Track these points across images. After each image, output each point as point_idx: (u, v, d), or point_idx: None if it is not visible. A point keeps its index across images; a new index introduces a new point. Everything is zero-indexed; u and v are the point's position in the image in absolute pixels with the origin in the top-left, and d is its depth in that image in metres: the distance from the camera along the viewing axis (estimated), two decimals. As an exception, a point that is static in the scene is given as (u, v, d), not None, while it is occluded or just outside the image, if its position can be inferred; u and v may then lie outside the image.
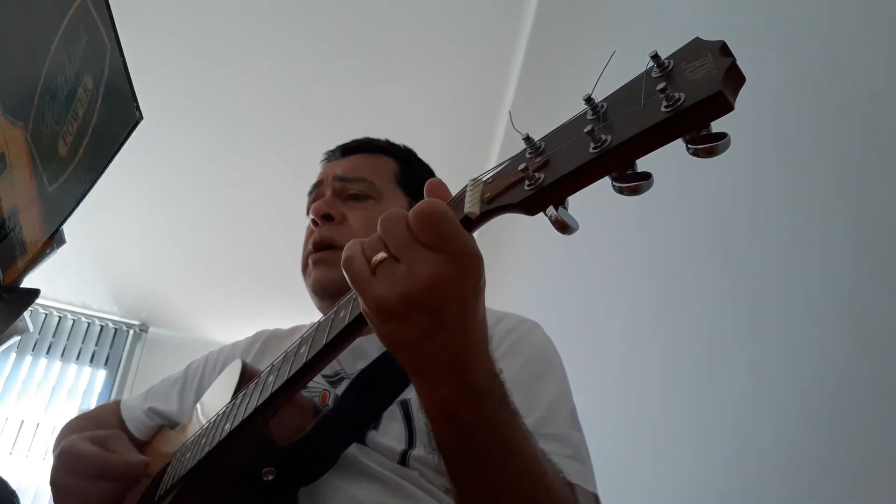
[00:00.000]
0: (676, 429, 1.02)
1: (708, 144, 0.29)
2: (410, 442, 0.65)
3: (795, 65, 0.85)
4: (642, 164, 0.33)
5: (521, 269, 2.01)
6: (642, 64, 0.32)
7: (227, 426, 0.61)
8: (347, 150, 0.88)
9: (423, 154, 0.92)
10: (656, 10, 1.32)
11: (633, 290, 1.27)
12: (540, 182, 0.35)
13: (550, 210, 0.35)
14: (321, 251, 0.79)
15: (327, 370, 0.75)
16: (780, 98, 0.86)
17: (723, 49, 0.29)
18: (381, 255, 0.39)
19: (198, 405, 0.80)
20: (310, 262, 0.80)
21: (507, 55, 2.19)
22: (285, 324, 0.96)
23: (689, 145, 0.30)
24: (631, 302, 1.27)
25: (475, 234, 0.41)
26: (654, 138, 0.31)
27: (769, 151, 0.88)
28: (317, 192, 0.85)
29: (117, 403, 0.95)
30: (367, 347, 0.74)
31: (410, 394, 0.68)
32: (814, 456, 0.71)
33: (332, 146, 0.91)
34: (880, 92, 0.69)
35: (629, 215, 1.28)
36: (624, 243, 1.33)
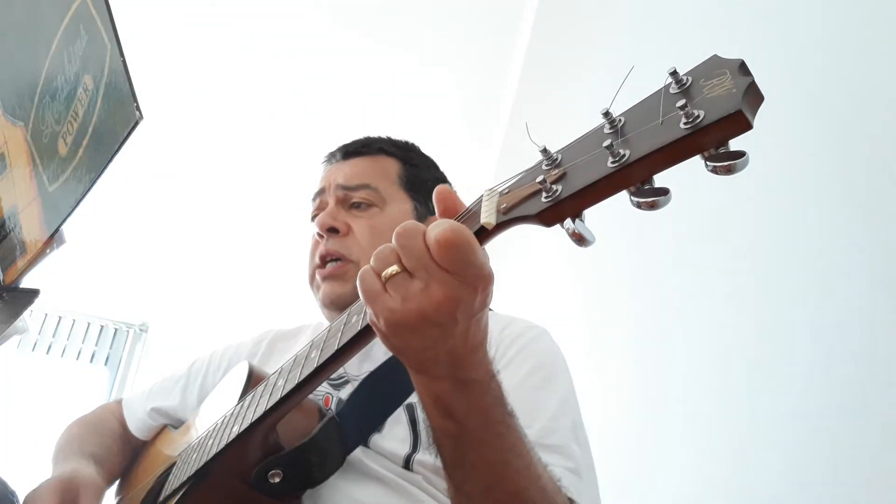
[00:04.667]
0: (676, 429, 1.03)
1: (726, 162, 0.30)
2: (415, 446, 0.65)
3: (795, 66, 0.85)
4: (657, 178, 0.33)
5: (523, 269, 2.02)
6: (645, 63, 0.32)
7: (236, 428, 0.62)
8: (349, 152, 0.86)
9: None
10: (656, 10, 1.32)
11: (633, 292, 1.27)
12: (557, 195, 0.35)
13: (567, 222, 0.36)
14: (328, 265, 0.78)
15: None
16: (781, 101, 0.86)
17: (741, 67, 0.30)
18: (394, 268, 0.40)
19: (202, 406, 0.81)
20: (317, 276, 0.79)
21: (506, 55, 2.19)
22: (286, 323, 0.96)
23: (707, 163, 0.30)
24: (631, 303, 1.27)
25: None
26: (672, 155, 0.31)
27: (769, 152, 0.88)
28: (320, 200, 0.84)
29: (119, 403, 0.95)
30: (374, 350, 0.75)
31: (416, 398, 0.68)
32: (814, 456, 0.71)
33: (331, 145, 0.89)
34: (881, 94, 0.69)
35: (630, 216, 1.28)
36: (624, 243, 1.33)
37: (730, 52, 0.31)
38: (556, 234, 0.38)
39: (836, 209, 0.74)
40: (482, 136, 2.43)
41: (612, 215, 1.40)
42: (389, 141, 0.88)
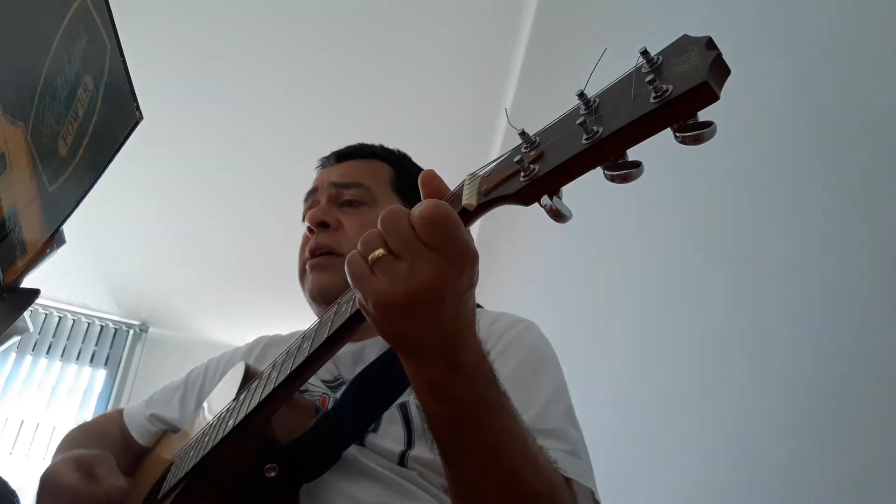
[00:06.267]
0: (676, 428, 1.03)
1: (694, 132, 0.31)
2: (409, 443, 0.65)
3: (794, 61, 0.86)
4: (645, 161, 0.33)
5: (522, 268, 2.02)
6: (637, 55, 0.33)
7: (231, 423, 0.62)
8: (342, 156, 0.88)
9: (422, 154, 0.93)
10: (656, 10, 1.33)
11: (633, 290, 1.27)
12: (534, 173, 0.36)
13: (545, 199, 0.37)
14: (318, 256, 0.79)
15: (327, 375, 0.76)
16: (780, 94, 0.87)
17: (708, 43, 0.30)
18: (380, 251, 0.40)
19: (201, 408, 0.81)
20: (307, 267, 0.80)
21: (507, 55, 2.20)
22: (285, 324, 0.97)
23: (676, 134, 0.31)
24: (631, 301, 1.27)
25: (475, 228, 0.42)
26: (643, 128, 0.32)
27: (770, 150, 0.88)
28: (312, 198, 0.85)
29: (120, 412, 0.96)
30: (368, 352, 0.75)
31: (409, 396, 0.68)
32: (814, 456, 0.71)
33: (332, 146, 0.91)
34: (881, 89, 0.69)
35: (630, 213, 1.29)
36: (624, 242, 1.33)
37: (731, 48, 0.32)
38: (556, 231, 0.39)
39: (839, 201, 0.74)
40: (482, 134, 2.44)
41: (612, 213, 1.39)
42: (382, 148, 0.90)
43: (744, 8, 1.01)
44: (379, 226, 0.41)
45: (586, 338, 1.42)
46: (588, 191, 0.37)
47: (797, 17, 0.86)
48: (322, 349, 0.52)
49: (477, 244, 0.42)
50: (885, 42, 0.68)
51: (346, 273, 0.42)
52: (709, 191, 1.03)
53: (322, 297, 0.78)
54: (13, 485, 0.77)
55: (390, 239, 0.40)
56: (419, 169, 0.91)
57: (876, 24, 0.70)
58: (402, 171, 0.87)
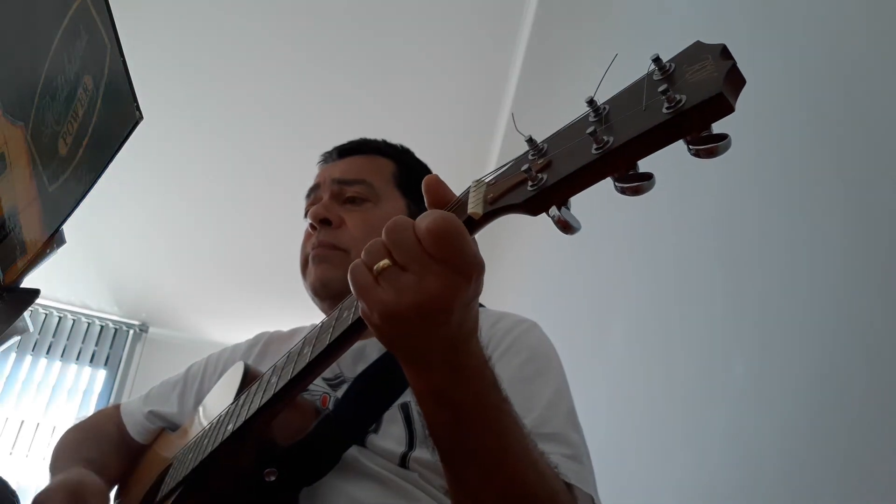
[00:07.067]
0: (676, 428, 1.03)
1: (709, 145, 0.30)
2: (410, 444, 0.65)
3: (796, 65, 0.85)
4: (644, 163, 0.33)
5: (523, 269, 2.02)
6: (642, 64, 0.33)
7: (230, 426, 0.61)
8: (344, 151, 0.87)
9: (422, 156, 0.92)
10: (656, 10, 1.32)
11: (633, 290, 1.27)
12: (543, 183, 0.35)
13: (553, 210, 0.36)
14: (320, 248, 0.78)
15: (328, 373, 0.76)
16: (781, 98, 0.86)
17: (723, 52, 0.30)
18: (385, 262, 0.40)
19: (199, 408, 0.80)
20: (309, 260, 0.79)
21: (507, 55, 2.20)
22: (285, 324, 0.96)
23: (690, 146, 0.30)
24: (632, 301, 1.27)
25: (478, 234, 0.42)
26: (655, 139, 0.31)
27: (770, 152, 0.88)
28: (314, 195, 0.84)
29: (117, 408, 0.95)
30: (369, 351, 0.74)
31: (410, 396, 0.68)
32: (814, 456, 0.71)
33: (332, 147, 0.90)
34: (881, 91, 0.69)
35: (631, 215, 1.29)
36: (625, 243, 1.33)
37: (733, 48, 0.31)
38: (558, 233, 0.38)
39: (838, 202, 0.74)
40: (483, 134, 2.44)
41: (612, 214, 1.39)
42: (384, 143, 0.89)
43: (744, 6, 1.00)
44: (384, 236, 0.41)
45: (587, 339, 1.42)
46: (588, 191, 0.36)
47: (797, 14, 0.86)
48: (323, 355, 0.52)
49: (479, 245, 0.41)
50: (886, 42, 0.68)
51: (350, 282, 0.42)
52: (709, 190, 1.02)
53: (324, 290, 0.77)
54: (13, 485, 0.77)
55: (395, 250, 0.40)
56: (422, 164, 0.90)
57: (877, 23, 0.70)
58: (404, 167, 0.86)
